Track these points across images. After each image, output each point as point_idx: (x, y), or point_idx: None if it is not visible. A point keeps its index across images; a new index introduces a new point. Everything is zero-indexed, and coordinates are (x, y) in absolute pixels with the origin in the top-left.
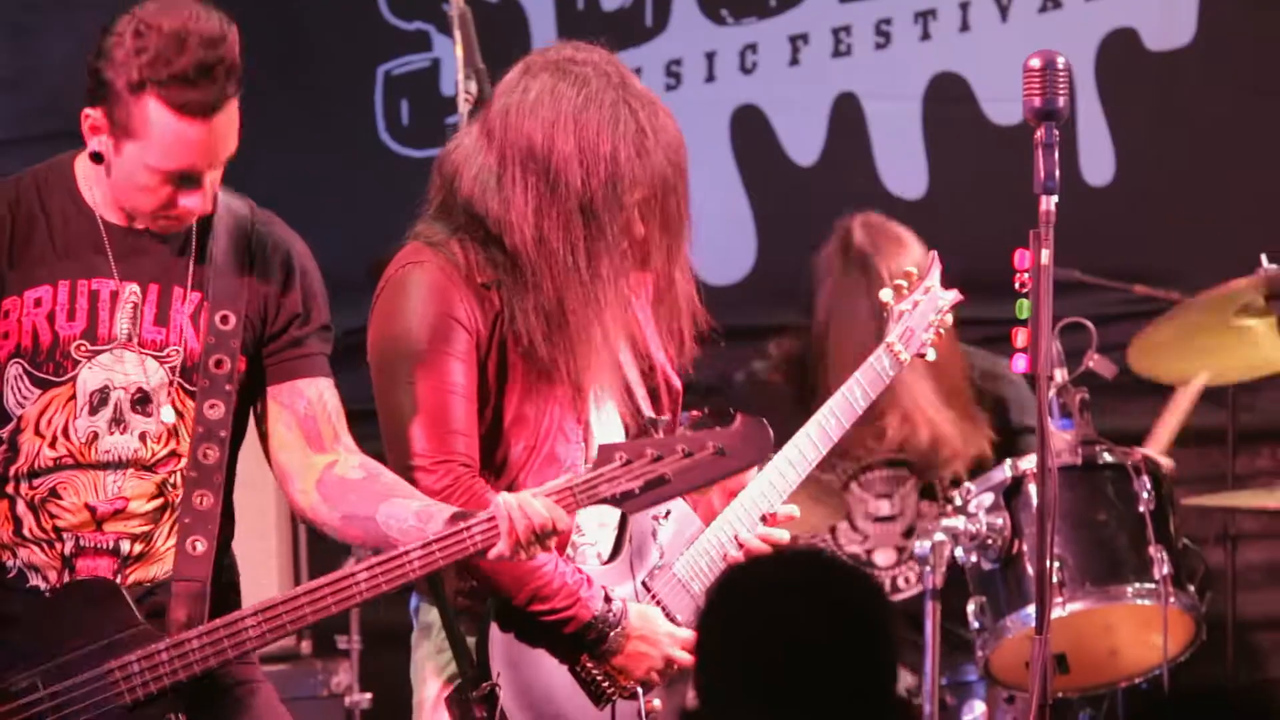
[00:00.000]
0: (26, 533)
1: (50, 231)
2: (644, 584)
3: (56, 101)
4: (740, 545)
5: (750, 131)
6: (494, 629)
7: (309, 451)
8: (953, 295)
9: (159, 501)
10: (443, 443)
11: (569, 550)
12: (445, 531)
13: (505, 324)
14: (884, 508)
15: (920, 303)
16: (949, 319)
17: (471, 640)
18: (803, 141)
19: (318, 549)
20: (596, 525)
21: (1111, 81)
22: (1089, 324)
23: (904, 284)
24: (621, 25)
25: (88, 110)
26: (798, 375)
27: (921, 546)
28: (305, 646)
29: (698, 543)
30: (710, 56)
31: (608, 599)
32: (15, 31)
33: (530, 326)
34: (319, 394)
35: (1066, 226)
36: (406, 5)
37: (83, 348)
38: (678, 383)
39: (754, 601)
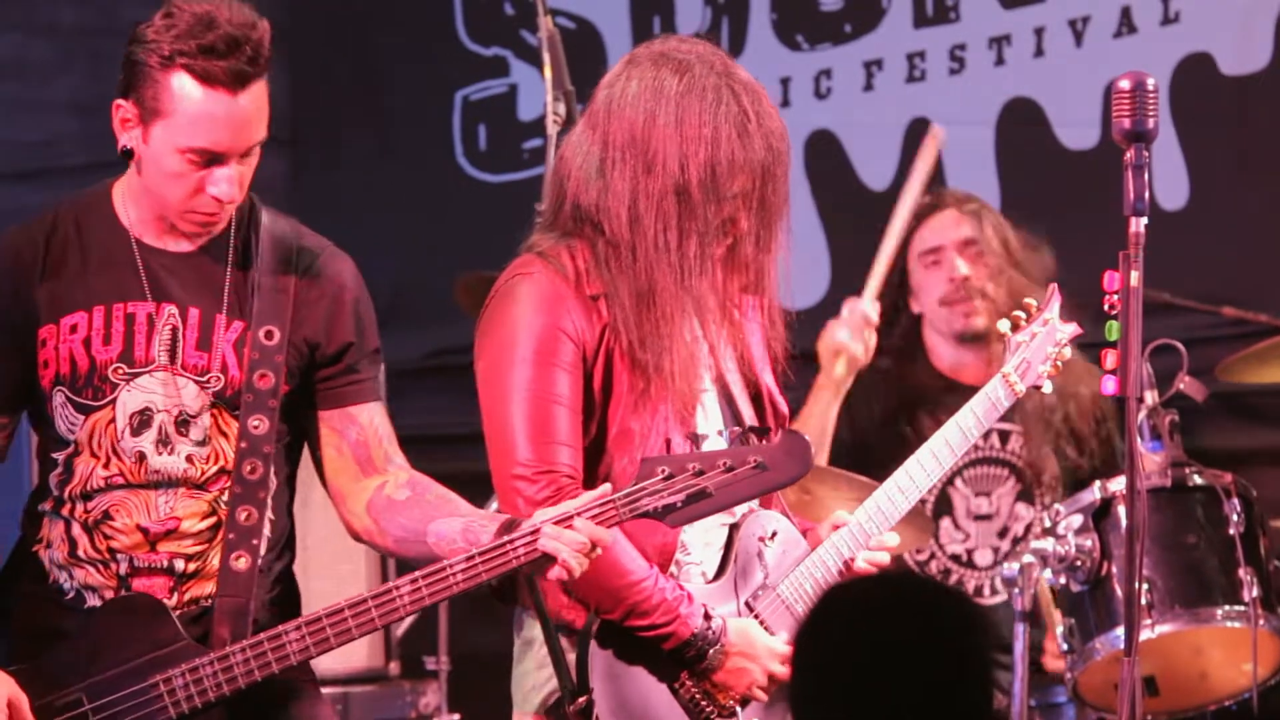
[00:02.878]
0: (82, 554)
1: (85, 256)
2: (747, 604)
3: None
4: (846, 567)
5: (824, 156)
6: (594, 644)
7: (360, 476)
8: (1071, 329)
9: (212, 520)
10: (546, 453)
11: (673, 568)
12: (489, 545)
13: (611, 337)
14: (982, 505)
15: (1038, 334)
16: (1067, 352)
17: (572, 656)
18: (876, 166)
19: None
20: (702, 545)
21: (1186, 106)
22: (1180, 346)
23: (1022, 315)
24: None
25: (119, 101)
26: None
27: (1010, 569)
28: (394, 668)
29: (803, 565)
30: (785, 82)
31: (707, 616)
32: (94, 58)
33: (625, 313)
34: (370, 420)
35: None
36: (485, 31)
37: (120, 370)
38: (784, 406)
39: (850, 623)
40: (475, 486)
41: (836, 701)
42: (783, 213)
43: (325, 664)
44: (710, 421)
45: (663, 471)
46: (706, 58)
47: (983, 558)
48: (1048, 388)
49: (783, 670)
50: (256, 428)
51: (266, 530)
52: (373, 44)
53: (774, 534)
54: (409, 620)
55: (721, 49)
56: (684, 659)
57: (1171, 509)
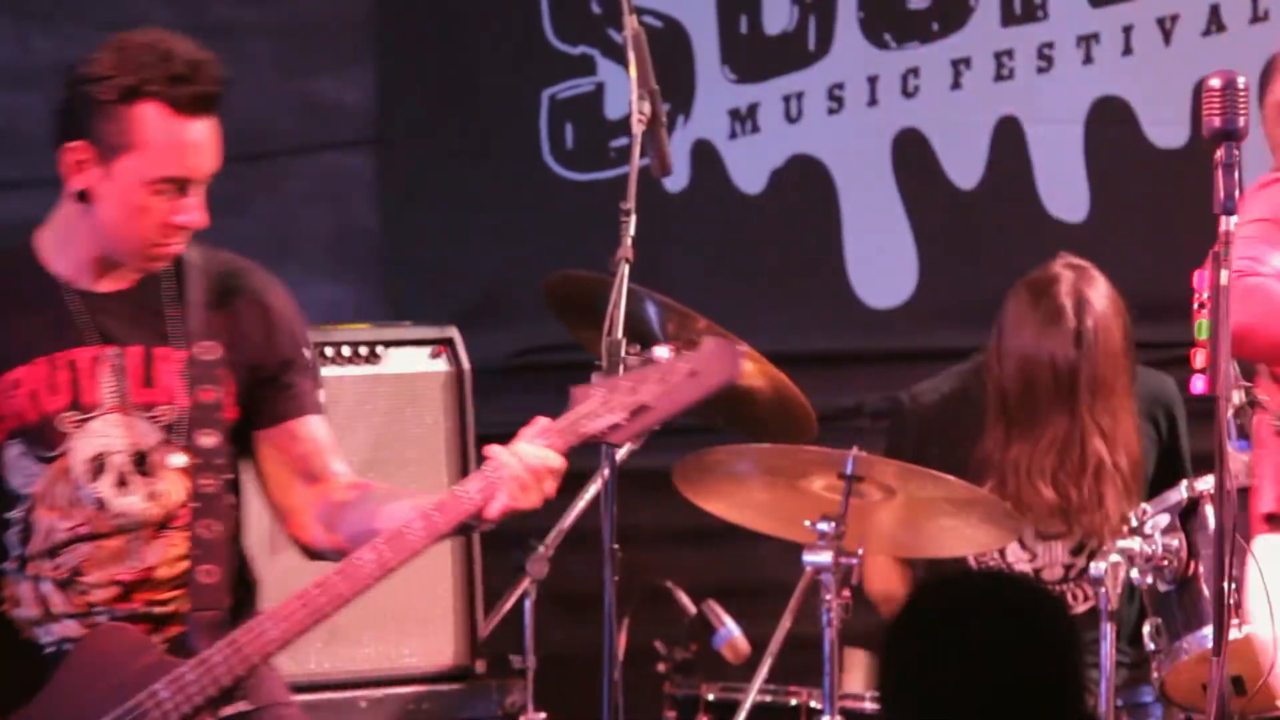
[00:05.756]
0: (57, 610)
1: (19, 312)
2: None
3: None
4: None
5: (912, 155)
6: None
7: (305, 488)
8: None
9: (185, 564)
10: None
11: None
12: (442, 497)
13: None
14: (1052, 524)
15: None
16: None
17: None
18: (964, 165)
19: (491, 562)
20: None
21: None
22: None
23: None
24: (785, 49)
25: (69, 145)
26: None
27: (1097, 568)
28: (480, 666)
29: None
30: (873, 80)
31: None
32: None
33: None
34: (311, 432)
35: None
36: (571, 29)
37: (70, 418)
38: None
39: (938, 625)
40: (560, 483)
41: (927, 702)
42: None
43: (411, 662)
44: None
45: (600, 394)
46: None
47: (1052, 575)
48: None
49: None
50: (207, 442)
51: (227, 541)
52: (460, 44)
53: None
54: (495, 618)
55: None
56: None
57: None
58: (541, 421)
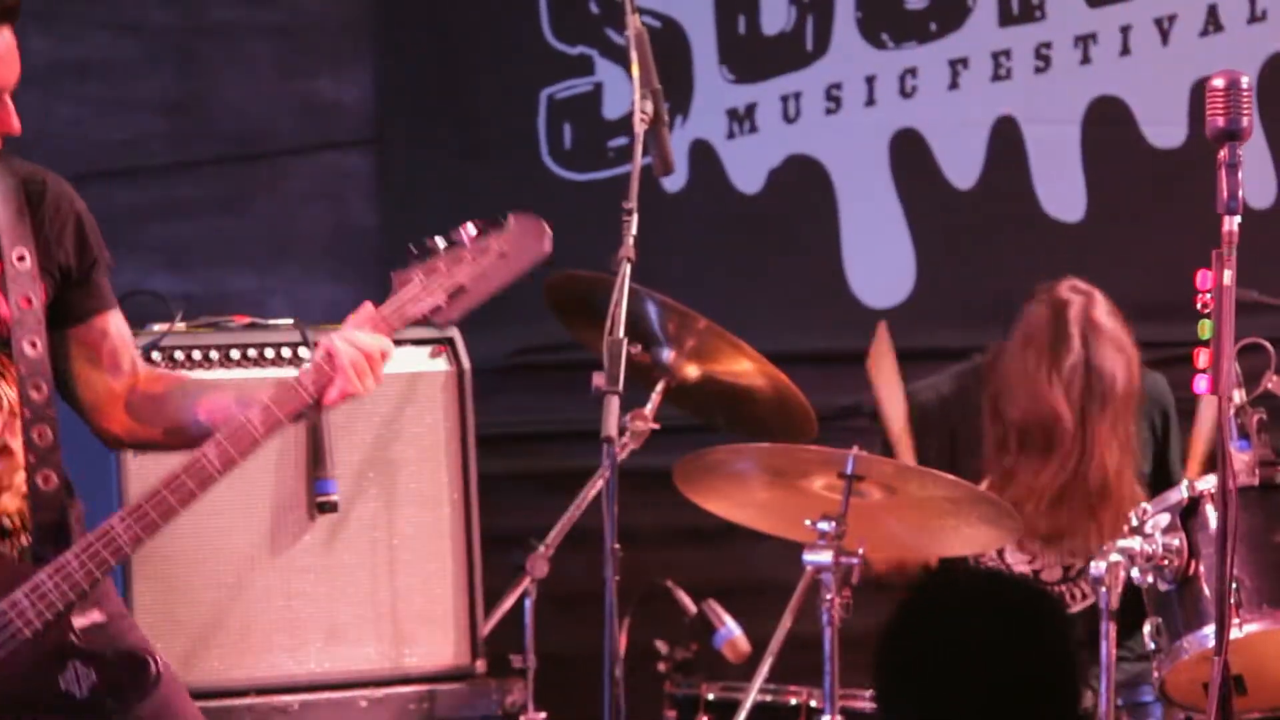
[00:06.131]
0: None
1: None
2: None
3: (220, 125)
4: None
5: (909, 155)
6: None
7: (112, 380)
8: None
9: (24, 472)
10: None
11: None
12: (276, 391)
13: None
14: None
15: None
16: None
17: None
18: (961, 165)
19: (491, 562)
20: None
21: (1273, 104)
22: (1268, 345)
23: None
24: (782, 49)
25: None
26: (959, 404)
27: (1097, 567)
28: (480, 665)
29: None
30: (870, 80)
31: None
32: (179, 58)
33: None
34: (117, 327)
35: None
36: (570, 29)
37: None
38: None
39: (933, 624)
40: (560, 482)
41: (924, 701)
42: None
43: (411, 662)
44: None
45: (418, 278)
46: None
47: (1051, 575)
48: None
49: None
50: (33, 349)
51: (58, 446)
52: (458, 44)
53: None
54: (495, 618)
55: None
56: None
57: (1259, 508)
58: (367, 308)
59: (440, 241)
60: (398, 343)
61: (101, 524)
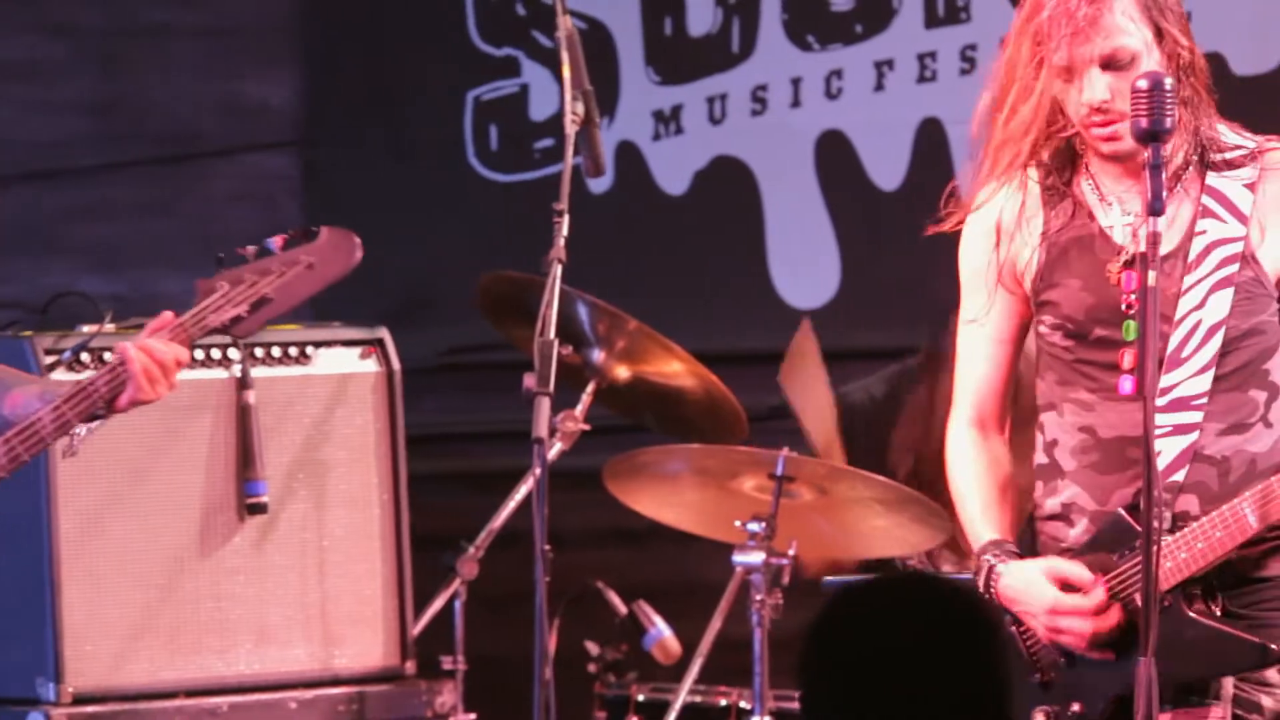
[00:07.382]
0: None
1: None
2: None
3: (147, 126)
4: None
5: (835, 156)
6: None
7: None
8: None
9: None
10: None
11: None
12: (70, 390)
13: None
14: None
15: None
16: None
17: None
18: (886, 166)
19: (421, 563)
20: None
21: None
22: None
23: None
24: (708, 51)
25: None
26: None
27: None
28: (410, 667)
29: None
30: (796, 82)
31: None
32: (105, 59)
33: None
34: None
35: None
36: (496, 31)
37: None
38: None
39: (859, 627)
40: (490, 483)
41: (848, 707)
42: None
43: (340, 664)
44: None
45: (222, 288)
46: None
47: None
48: None
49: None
50: None
51: None
52: (384, 46)
53: None
54: (424, 619)
55: None
56: None
57: None
58: (167, 316)
59: (252, 249)
60: (328, 344)
61: None
